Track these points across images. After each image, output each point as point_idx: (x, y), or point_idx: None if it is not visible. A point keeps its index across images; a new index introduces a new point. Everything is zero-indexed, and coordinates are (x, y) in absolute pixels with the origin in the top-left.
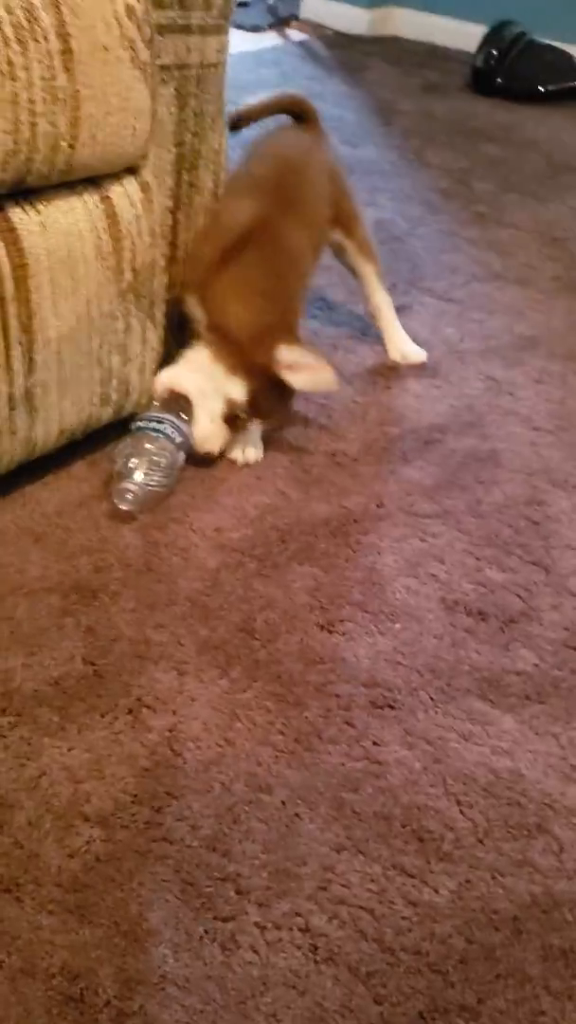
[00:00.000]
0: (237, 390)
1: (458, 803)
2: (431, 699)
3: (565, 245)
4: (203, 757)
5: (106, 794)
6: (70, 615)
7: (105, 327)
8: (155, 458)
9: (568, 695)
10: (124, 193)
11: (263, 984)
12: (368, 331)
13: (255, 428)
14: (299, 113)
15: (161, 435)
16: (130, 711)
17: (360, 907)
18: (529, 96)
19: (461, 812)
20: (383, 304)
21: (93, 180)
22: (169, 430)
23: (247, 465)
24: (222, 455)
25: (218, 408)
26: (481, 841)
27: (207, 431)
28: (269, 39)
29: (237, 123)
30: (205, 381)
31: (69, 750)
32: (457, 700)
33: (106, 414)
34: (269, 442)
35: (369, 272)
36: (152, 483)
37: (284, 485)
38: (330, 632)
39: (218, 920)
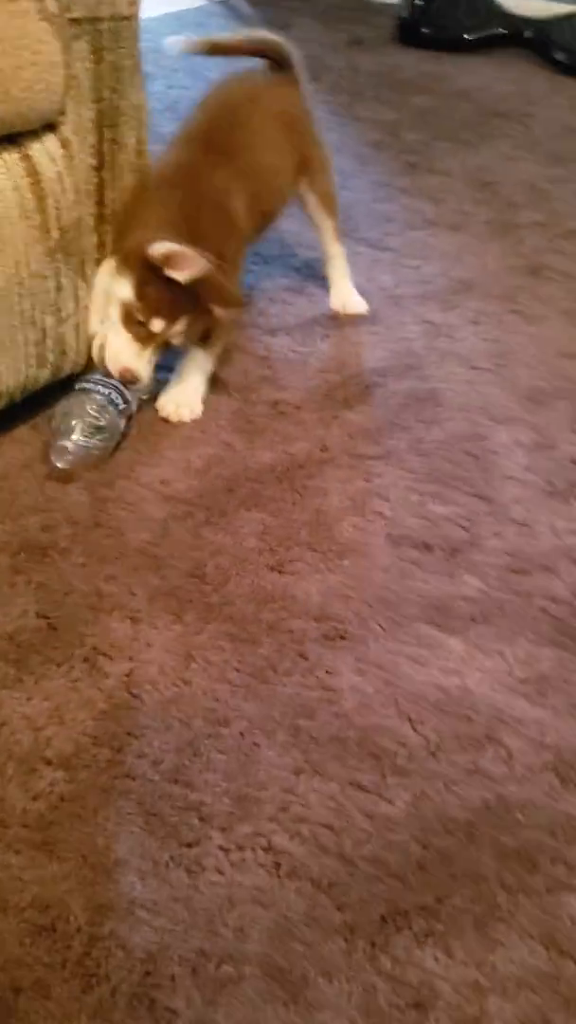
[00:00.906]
0: (124, 289)
1: (410, 721)
2: (381, 628)
3: (496, 189)
4: (161, 698)
5: (66, 738)
6: (21, 573)
7: (36, 287)
8: (95, 419)
9: (512, 615)
10: (44, 150)
11: (229, 902)
12: (304, 285)
13: (191, 380)
14: (275, 58)
15: (103, 397)
16: (86, 660)
17: (319, 824)
18: (455, 45)
19: (414, 729)
20: (337, 256)
21: (11, 139)
22: (113, 395)
23: (181, 421)
24: (153, 399)
25: (117, 316)
26: (433, 754)
27: (115, 346)
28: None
29: (209, 51)
30: (104, 297)
31: (28, 700)
32: (406, 627)
33: (43, 375)
34: (209, 394)
35: (328, 227)
36: (89, 444)
37: (228, 436)
38: (280, 572)
39: (183, 846)
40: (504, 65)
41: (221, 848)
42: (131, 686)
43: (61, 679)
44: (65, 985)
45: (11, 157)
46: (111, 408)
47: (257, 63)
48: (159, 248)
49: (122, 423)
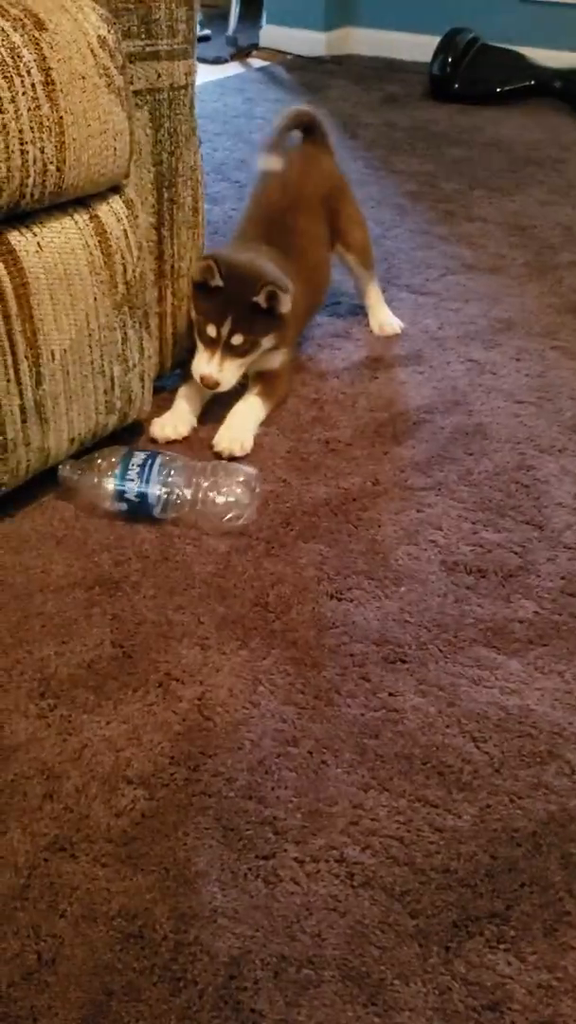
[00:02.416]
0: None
1: (473, 739)
2: (440, 651)
3: (532, 233)
4: (231, 719)
5: (145, 759)
6: (96, 605)
7: (104, 339)
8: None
9: (569, 636)
10: (111, 211)
11: (306, 910)
12: (351, 330)
13: (243, 420)
14: (307, 126)
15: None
16: (160, 684)
17: (390, 836)
18: (486, 98)
19: (476, 747)
20: (373, 291)
21: (82, 201)
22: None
23: (232, 457)
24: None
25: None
26: (497, 770)
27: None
28: (232, 69)
29: (272, 151)
30: None
31: (107, 723)
32: (464, 650)
33: (112, 421)
34: (264, 435)
35: (367, 278)
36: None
37: (283, 472)
38: (339, 600)
39: (259, 859)
40: (534, 115)
41: (296, 860)
42: (203, 709)
43: (137, 703)
44: (154, 989)
45: (82, 218)
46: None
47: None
48: (271, 275)
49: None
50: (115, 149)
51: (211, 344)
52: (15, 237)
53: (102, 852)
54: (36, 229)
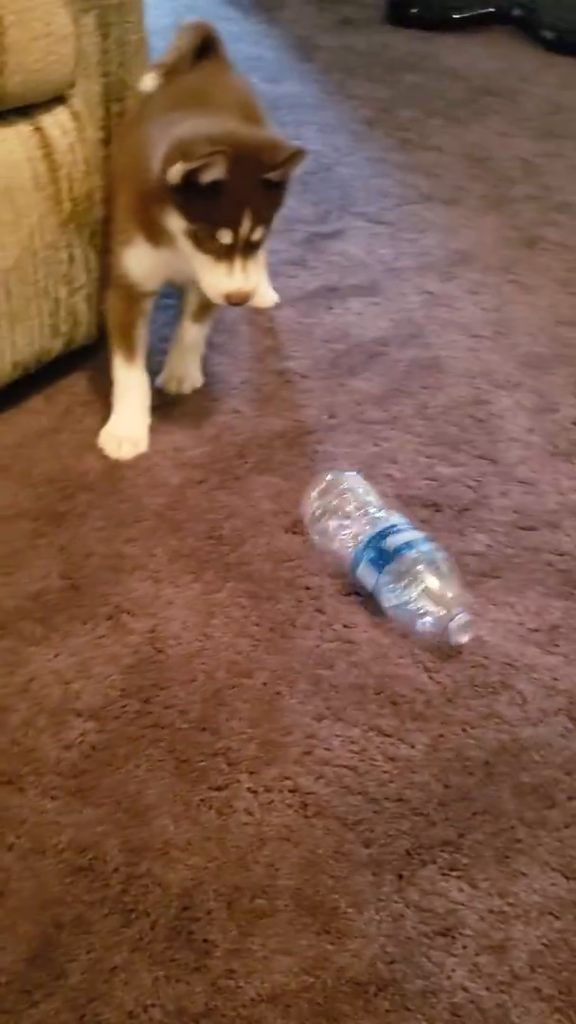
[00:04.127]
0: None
1: (426, 670)
2: None
3: (488, 165)
4: (184, 651)
5: (95, 691)
6: (42, 536)
7: (49, 258)
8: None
9: (521, 569)
10: (56, 123)
11: (260, 840)
12: (306, 258)
13: (195, 357)
14: (205, 43)
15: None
16: (110, 617)
17: (343, 766)
18: (444, 24)
19: (430, 677)
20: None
21: (24, 111)
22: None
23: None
24: None
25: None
26: (450, 700)
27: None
28: None
29: (169, 73)
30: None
31: (55, 656)
32: None
33: (57, 346)
34: (216, 364)
35: None
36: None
37: (238, 403)
38: (295, 534)
39: (212, 790)
40: (493, 44)
41: (249, 790)
42: (155, 641)
43: (87, 636)
44: (105, 920)
45: (25, 129)
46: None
47: None
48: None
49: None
50: (59, 54)
51: (226, 252)
52: None
53: (51, 785)
54: None
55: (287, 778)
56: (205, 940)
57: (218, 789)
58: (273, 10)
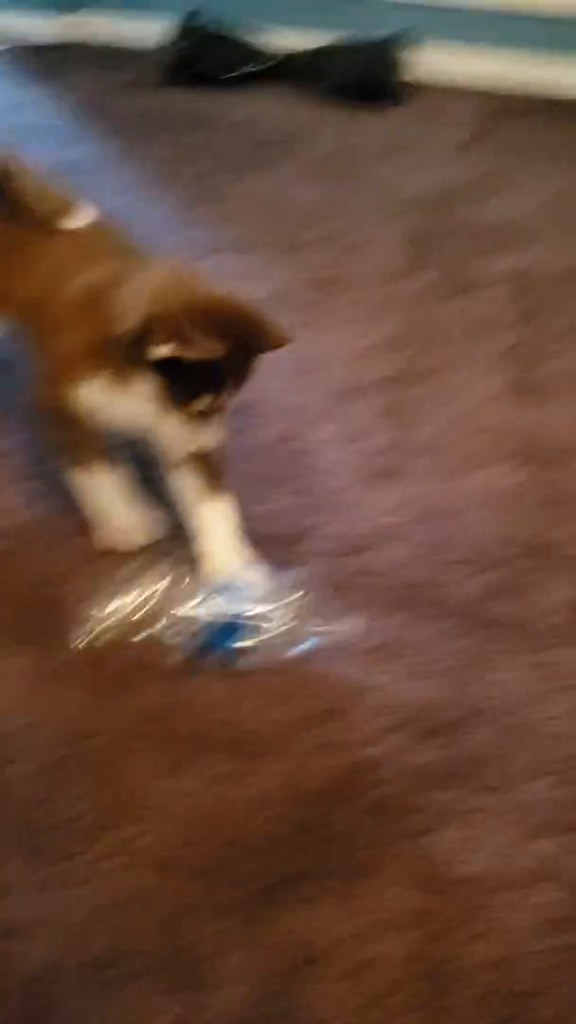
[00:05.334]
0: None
1: (259, 709)
2: None
3: (277, 213)
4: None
5: None
6: None
7: None
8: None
9: (349, 592)
10: None
11: (113, 906)
12: None
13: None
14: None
15: None
16: None
17: (188, 817)
18: (217, 84)
19: (264, 716)
20: None
21: None
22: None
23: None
24: None
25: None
26: (285, 735)
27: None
28: None
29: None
30: None
31: None
32: None
33: None
34: None
35: None
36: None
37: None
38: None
39: (60, 860)
40: (270, 97)
41: (96, 857)
42: None
43: None
44: None
45: None
46: None
47: None
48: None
49: None
50: None
51: (200, 414)
52: None
53: None
54: None
55: (131, 839)
56: (66, 1019)
57: (66, 859)
58: (55, 76)
